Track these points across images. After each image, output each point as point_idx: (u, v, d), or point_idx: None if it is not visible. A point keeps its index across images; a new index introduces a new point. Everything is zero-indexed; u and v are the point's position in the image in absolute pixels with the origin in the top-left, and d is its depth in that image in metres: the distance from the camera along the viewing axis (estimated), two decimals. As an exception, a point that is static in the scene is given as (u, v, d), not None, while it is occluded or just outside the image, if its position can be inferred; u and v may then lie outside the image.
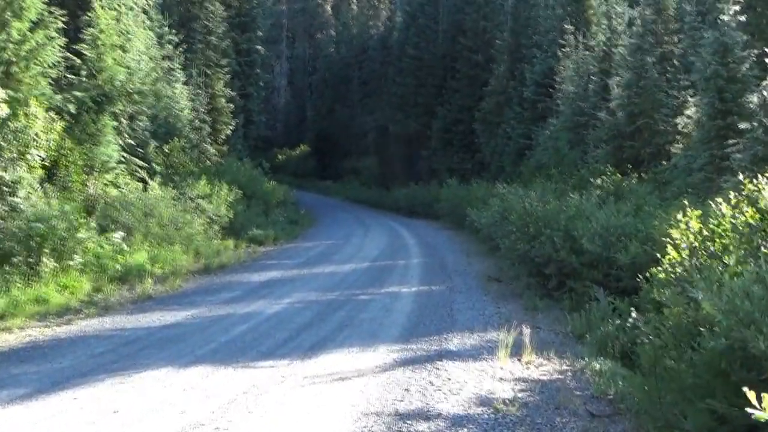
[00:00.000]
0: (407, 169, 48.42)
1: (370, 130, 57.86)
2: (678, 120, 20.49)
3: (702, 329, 6.95)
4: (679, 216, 10.62)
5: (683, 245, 10.29)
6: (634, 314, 10.45)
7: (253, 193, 31.25)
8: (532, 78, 33.29)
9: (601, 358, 9.77)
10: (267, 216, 31.01)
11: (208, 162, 32.14)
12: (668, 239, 11.06)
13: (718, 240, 10.12)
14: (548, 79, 31.41)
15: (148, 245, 18.43)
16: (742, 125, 14.60)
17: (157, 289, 15.14)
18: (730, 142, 15.02)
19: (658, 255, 11.00)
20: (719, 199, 10.44)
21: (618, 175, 19.17)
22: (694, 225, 10.45)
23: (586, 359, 9.56)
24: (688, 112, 20.18)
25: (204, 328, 11.54)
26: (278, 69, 78.27)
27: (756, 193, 11.32)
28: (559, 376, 9.10)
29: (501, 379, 8.83)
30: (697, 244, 9.96)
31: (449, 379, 8.68)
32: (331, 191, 57.73)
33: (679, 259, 10.24)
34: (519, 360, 9.73)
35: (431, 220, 35.15)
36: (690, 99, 20.66)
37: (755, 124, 13.98)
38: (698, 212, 10.66)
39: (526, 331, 10.26)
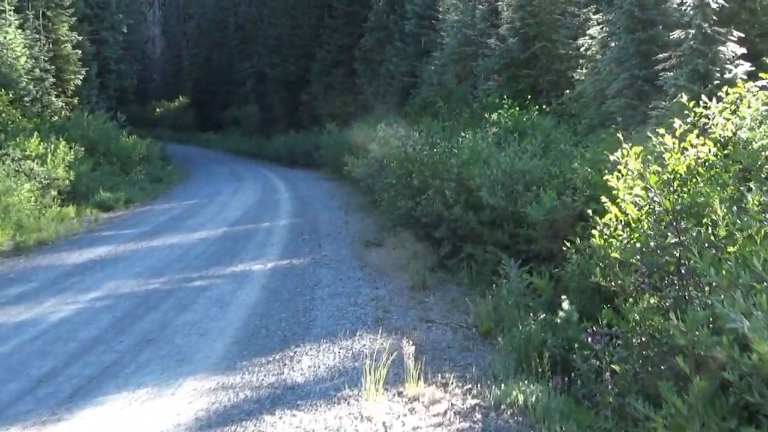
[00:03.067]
0: (289, 117, 44.10)
1: (248, 78, 52.99)
2: (581, 41, 17.00)
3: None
4: (617, 154, 7.24)
5: (624, 195, 6.85)
6: (566, 305, 6.95)
7: (107, 150, 26.54)
8: (413, 10, 29.35)
9: (525, 376, 6.22)
10: (127, 175, 26.53)
11: (56, 117, 27.32)
12: (602, 189, 7.86)
13: (687, 188, 6.71)
14: (431, 10, 27.65)
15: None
16: (675, 34, 11.15)
17: None
18: (660, 57, 11.55)
19: (588, 210, 7.72)
20: (661, 131, 7.11)
21: (516, 108, 15.66)
22: (634, 166, 7.03)
23: (504, 386, 5.95)
24: (591, 31, 16.68)
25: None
26: (151, 17, 71.90)
27: (707, 120, 8.06)
28: (465, 425, 5.44)
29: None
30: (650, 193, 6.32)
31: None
32: (211, 143, 52.92)
33: (622, 217, 6.81)
34: (400, 394, 6.03)
35: (312, 170, 31.16)
36: (593, 16, 17.21)
37: (691, 31, 10.55)
38: (638, 149, 7.21)
39: (413, 335, 6.63)
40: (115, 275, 11.28)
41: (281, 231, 15.14)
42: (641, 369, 4.70)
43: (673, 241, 4.55)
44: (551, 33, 17.50)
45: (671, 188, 6.64)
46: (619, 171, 7.45)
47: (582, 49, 16.95)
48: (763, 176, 7.56)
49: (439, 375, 6.37)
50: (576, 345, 6.36)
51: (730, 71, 10.33)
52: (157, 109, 68.03)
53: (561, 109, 15.77)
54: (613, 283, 6.22)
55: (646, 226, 6.80)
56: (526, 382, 5.95)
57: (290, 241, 13.77)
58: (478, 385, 6.09)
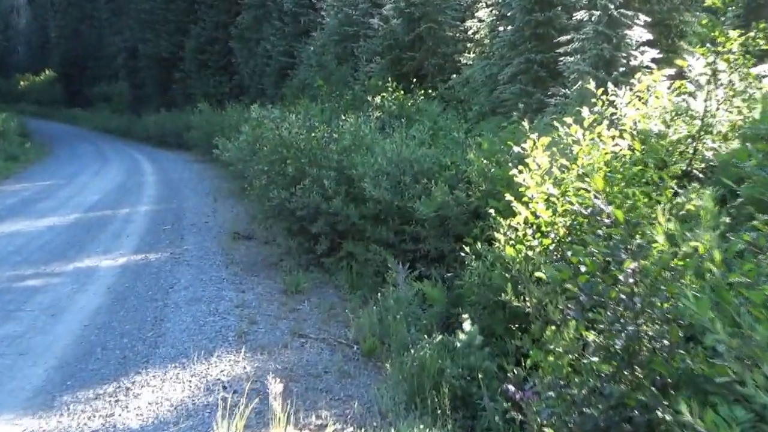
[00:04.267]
0: (161, 95, 41.44)
1: (119, 53, 49.69)
2: (468, 23, 15.89)
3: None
4: (523, 145, 6.22)
5: (533, 194, 5.74)
6: (467, 325, 5.77)
7: (-49, 125, 23.89)
8: (292, -12, 27.74)
9: (419, 414, 4.98)
10: (-25, 152, 23.97)
11: None
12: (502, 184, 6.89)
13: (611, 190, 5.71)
14: (311, -12, 26.10)
15: None
16: (578, 15, 10.11)
17: None
18: (561, 39, 10.50)
19: (489, 206, 6.86)
20: (567, 119, 6.14)
21: (401, 92, 14.42)
22: (540, 160, 6.06)
23: (393, 429, 4.67)
24: (480, 14, 15.59)
25: None
26: (16, -15, 66.97)
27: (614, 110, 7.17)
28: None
29: None
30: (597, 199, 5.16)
31: None
32: (79, 120, 49.46)
33: (532, 220, 5.76)
34: (263, 445, 4.67)
35: (183, 152, 29.08)
36: (481, -1, 16.12)
37: (596, 12, 9.53)
38: (546, 140, 6.24)
39: (282, 355, 5.29)
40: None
41: (141, 219, 13.36)
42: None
43: (632, 266, 3.34)
44: (437, 14, 16.30)
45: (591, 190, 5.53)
46: (526, 165, 6.35)
47: (470, 32, 15.86)
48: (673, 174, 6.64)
49: (314, 414, 5.04)
50: (480, 376, 5.17)
51: (635, 57, 9.40)
52: (21, 83, 63.37)
53: (448, 94, 14.61)
54: (528, 305, 5.05)
55: (561, 232, 5.69)
56: (420, 424, 4.69)
57: (149, 232, 12.06)
58: (362, 430, 4.79)
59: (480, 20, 15.39)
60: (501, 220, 6.21)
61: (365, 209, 8.98)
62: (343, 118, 11.94)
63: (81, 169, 23.02)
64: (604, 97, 7.19)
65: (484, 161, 8.15)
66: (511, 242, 5.90)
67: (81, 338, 6.65)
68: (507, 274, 5.89)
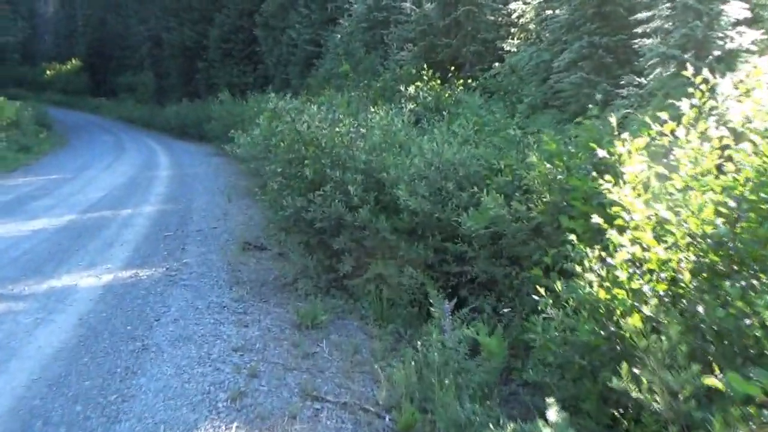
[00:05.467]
0: (185, 86, 39.96)
1: (144, 42, 48.28)
2: (513, 5, 13.98)
3: None
4: (616, 149, 4.32)
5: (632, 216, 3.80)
6: (554, 415, 3.98)
7: (-40, 113, 22.45)
8: (319, -28, 26.02)
9: None
10: (-12, 142, 22.56)
11: None
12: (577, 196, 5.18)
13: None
14: (339, -28, 24.33)
15: None
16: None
17: None
18: (640, 16, 8.56)
19: (561, 225, 5.53)
20: (663, 114, 4.32)
21: (437, 82, 12.60)
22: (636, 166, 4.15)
23: None
24: (526, -6, 13.71)
25: None
26: (42, -27, 65.72)
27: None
28: None
29: None
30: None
31: None
32: (103, 110, 48.25)
33: (640, 256, 3.78)
34: None
35: (203, 144, 27.48)
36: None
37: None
38: (643, 141, 4.34)
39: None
40: None
41: (142, 222, 11.65)
42: None
43: None
44: (468, 3, 14.45)
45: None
46: (615, 174, 4.62)
47: (514, 16, 13.98)
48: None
49: None
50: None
51: (732, 39, 7.51)
52: (48, 72, 62.11)
53: (492, 84, 12.75)
54: (655, 400, 3.28)
55: (686, 277, 3.91)
56: None
57: (147, 239, 10.33)
58: None
59: (525, 2, 13.51)
60: (584, 248, 4.47)
61: (399, 222, 7.25)
62: (372, 110, 10.18)
63: (91, 162, 21.50)
64: (703, 87, 5.29)
65: (548, 166, 6.33)
66: (605, 283, 4.17)
67: (20, 403, 4.90)
68: (602, 330, 4.15)
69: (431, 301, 6.04)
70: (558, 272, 5.15)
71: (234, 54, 34.75)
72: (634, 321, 3.55)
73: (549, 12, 12.19)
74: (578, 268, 4.40)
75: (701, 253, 3.84)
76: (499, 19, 14.53)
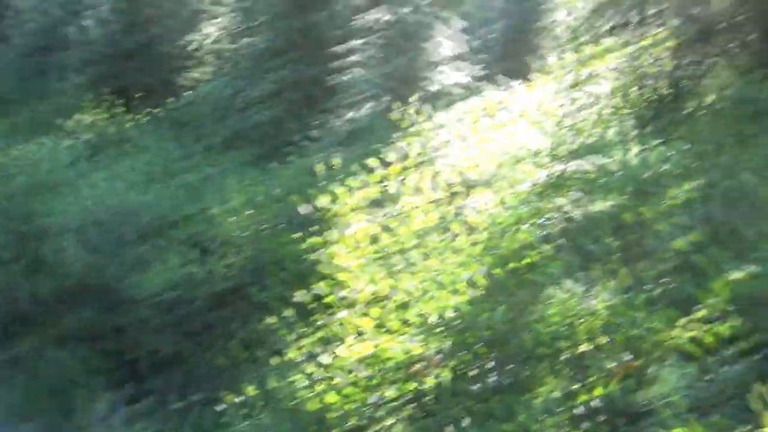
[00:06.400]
0: None
1: None
2: (193, 37, 12.78)
3: None
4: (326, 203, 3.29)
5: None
6: None
7: None
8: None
9: None
10: None
11: None
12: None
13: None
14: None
15: None
16: (370, 15, 7.30)
17: None
18: (342, 49, 7.61)
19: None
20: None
21: (116, 110, 11.08)
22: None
23: None
24: (207, 30, 12.73)
25: None
26: None
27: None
28: None
29: None
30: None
31: None
32: None
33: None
34: None
35: None
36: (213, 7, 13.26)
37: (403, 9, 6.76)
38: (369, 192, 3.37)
39: None
40: None
41: None
42: None
43: None
44: (157, 26, 13.26)
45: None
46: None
47: (190, 48, 12.88)
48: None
49: None
50: None
51: (446, 75, 6.88)
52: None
53: (182, 116, 11.38)
54: None
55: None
56: None
57: None
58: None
59: (206, 35, 12.61)
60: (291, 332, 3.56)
61: (63, 280, 5.76)
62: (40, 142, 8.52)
63: None
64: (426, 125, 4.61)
65: (246, 213, 5.25)
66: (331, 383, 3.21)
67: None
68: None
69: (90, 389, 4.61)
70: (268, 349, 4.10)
71: None
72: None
73: (246, 40, 11.31)
74: (291, 354, 3.41)
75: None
76: (188, 47, 13.38)
